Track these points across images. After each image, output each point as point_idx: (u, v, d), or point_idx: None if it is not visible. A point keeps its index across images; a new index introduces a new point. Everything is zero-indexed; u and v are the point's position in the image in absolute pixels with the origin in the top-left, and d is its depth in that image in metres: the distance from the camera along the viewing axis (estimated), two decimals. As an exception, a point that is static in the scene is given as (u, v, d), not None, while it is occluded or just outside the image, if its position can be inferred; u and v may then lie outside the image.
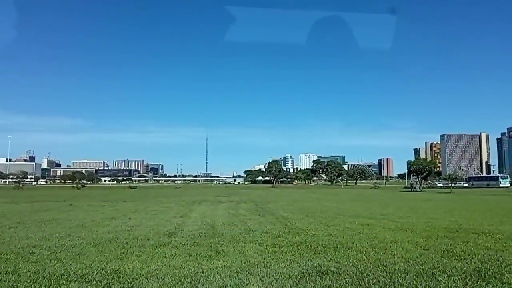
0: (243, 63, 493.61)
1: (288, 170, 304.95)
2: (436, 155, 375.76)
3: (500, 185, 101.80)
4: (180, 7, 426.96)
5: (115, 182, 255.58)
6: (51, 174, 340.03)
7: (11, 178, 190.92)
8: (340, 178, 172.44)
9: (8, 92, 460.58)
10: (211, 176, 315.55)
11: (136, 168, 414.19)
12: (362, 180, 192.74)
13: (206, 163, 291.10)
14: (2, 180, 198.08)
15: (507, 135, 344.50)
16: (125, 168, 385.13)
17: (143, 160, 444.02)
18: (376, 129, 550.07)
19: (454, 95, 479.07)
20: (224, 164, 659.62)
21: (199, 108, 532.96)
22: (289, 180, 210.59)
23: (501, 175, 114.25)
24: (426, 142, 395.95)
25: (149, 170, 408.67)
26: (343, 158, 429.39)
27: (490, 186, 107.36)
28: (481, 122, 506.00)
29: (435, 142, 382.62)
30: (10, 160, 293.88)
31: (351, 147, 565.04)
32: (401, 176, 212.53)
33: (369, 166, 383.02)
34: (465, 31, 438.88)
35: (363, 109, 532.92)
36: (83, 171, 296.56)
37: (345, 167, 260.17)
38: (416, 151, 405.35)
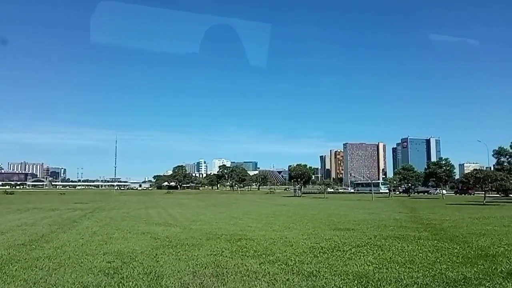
0: (161, 65, 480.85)
1: (201, 175, 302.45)
2: (339, 162, 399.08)
3: (380, 191, 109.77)
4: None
5: (7, 186, 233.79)
6: None
7: None
8: (244, 184, 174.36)
9: None
10: (120, 181, 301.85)
11: (34, 171, 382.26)
12: (266, 185, 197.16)
13: (115, 167, 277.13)
14: None
15: (401, 145, 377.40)
16: (21, 172, 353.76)
17: (42, 164, 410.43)
18: (288, 137, 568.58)
19: (357, 106, 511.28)
20: (136, 169, 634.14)
21: (108, 110, 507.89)
22: (196, 185, 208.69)
23: (381, 181, 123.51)
24: (331, 150, 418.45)
25: (49, 174, 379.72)
26: (256, 164, 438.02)
27: (373, 191, 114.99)
28: (380, 132, 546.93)
29: (339, 150, 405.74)
30: None
31: (265, 153, 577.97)
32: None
33: (280, 172, 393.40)
34: (372, 42, 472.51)
35: (277, 117, 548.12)
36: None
37: (256, 172, 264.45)
38: (322, 159, 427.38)
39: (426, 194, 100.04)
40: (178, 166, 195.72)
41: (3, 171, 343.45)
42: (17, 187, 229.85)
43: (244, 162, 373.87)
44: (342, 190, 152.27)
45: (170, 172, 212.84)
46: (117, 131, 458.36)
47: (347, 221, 20.21)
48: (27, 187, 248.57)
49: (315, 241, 12.60)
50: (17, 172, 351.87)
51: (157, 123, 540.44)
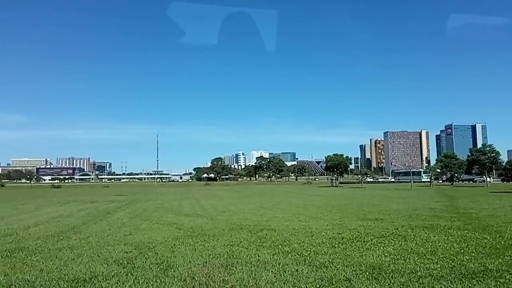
0: (195, 59, 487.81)
1: (239, 167, 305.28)
2: (380, 151, 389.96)
3: (423, 180, 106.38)
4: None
5: (57, 181, 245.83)
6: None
7: None
8: (281, 174, 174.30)
9: None
10: (161, 174, 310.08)
11: (81, 166, 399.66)
12: (304, 176, 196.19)
13: (157, 160, 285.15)
14: None
15: (444, 132, 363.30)
16: (69, 167, 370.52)
17: (89, 158, 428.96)
18: (326, 127, 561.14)
19: (399, 93, 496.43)
20: (177, 162, 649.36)
21: (150, 105, 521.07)
22: (234, 176, 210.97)
23: (423, 170, 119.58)
24: (370, 139, 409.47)
25: (95, 168, 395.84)
26: (294, 154, 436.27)
27: (414, 180, 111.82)
28: (423, 119, 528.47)
29: (379, 139, 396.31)
30: None
31: (303, 144, 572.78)
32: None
33: (318, 162, 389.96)
34: (412, 30, 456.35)
35: (315, 106, 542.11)
36: (23, 170, 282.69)
37: (295, 163, 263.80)
38: (362, 148, 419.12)
39: (470, 182, 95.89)
40: (217, 158, 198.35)
41: (52, 166, 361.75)
42: (66, 181, 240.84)
43: (282, 153, 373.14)
44: (382, 180, 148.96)
45: (209, 165, 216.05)
46: (159, 125, 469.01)
47: (378, 211, 19.67)
48: (75, 181, 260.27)
49: (338, 231, 12.32)
50: (65, 167, 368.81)
51: (196, 116, 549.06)
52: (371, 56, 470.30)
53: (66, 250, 9.51)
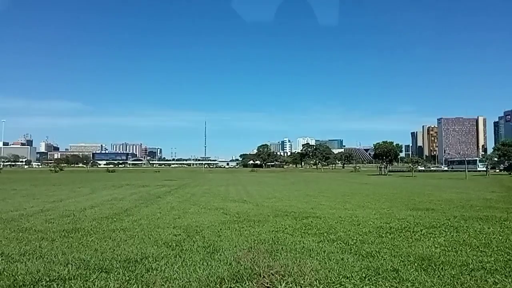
0: (242, 46, 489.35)
1: (285, 153, 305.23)
2: (433, 138, 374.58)
3: (478, 169, 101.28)
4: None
5: (111, 165, 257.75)
6: (48, 158, 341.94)
7: (2, 162, 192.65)
8: (328, 162, 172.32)
9: (6, 75, 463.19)
10: (209, 160, 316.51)
11: (134, 151, 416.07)
12: (351, 164, 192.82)
13: (205, 147, 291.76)
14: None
15: (503, 119, 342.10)
16: (122, 152, 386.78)
17: (141, 144, 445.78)
18: (376, 113, 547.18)
19: (453, 78, 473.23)
20: (224, 148, 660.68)
21: (198, 92, 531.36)
22: (280, 163, 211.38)
23: (479, 158, 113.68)
24: (423, 126, 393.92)
25: (147, 154, 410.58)
26: (341, 141, 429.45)
27: (469, 169, 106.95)
28: (479, 105, 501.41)
29: (432, 126, 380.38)
30: (7, 144, 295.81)
31: (351, 131, 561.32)
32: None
33: (367, 150, 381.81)
34: (464, 12, 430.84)
35: (364, 93, 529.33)
36: (80, 155, 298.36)
37: (342, 150, 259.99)
38: (414, 135, 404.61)
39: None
40: (263, 145, 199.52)
41: (107, 152, 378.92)
42: (119, 166, 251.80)
43: (329, 140, 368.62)
44: (434, 169, 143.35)
45: (255, 151, 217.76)
46: (207, 112, 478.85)
47: (429, 201, 18.98)
48: (128, 166, 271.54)
49: (386, 221, 12.02)
50: (119, 152, 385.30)
51: (243, 103, 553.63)
52: (424, 38, 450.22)
53: (119, 232, 9.96)
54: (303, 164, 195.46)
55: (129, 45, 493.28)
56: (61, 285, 5.58)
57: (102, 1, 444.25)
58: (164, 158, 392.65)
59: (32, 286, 5.55)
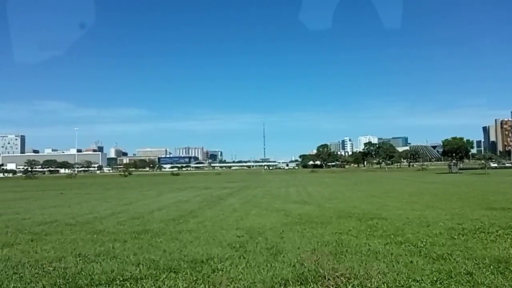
0: (298, 47, 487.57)
1: (346, 153, 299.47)
2: (507, 133, 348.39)
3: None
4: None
5: (175, 169, 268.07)
6: (117, 163, 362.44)
7: (76, 168, 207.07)
8: (392, 160, 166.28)
9: (78, 86, 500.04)
10: (268, 161, 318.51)
11: (196, 155, 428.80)
12: (418, 162, 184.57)
13: (264, 148, 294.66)
14: (67, 170, 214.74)
15: None
16: (185, 155, 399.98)
17: (202, 147, 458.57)
18: (443, 108, 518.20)
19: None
20: (284, 149, 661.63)
21: (256, 94, 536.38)
22: (341, 163, 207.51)
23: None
24: (495, 120, 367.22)
25: (208, 156, 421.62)
26: (406, 139, 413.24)
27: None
28: None
29: (505, 119, 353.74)
30: (80, 151, 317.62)
31: (416, 127, 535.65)
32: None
33: (434, 147, 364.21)
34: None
35: (429, 87, 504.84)
36: (147, 159, 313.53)
37: (407, 148, 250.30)
38: (485, 130, 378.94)
39: None
40: (323, 145, 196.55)
41: (171, 156, 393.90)
42: (183, 169, 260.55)
43: (393, 138, 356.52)
44: (509, 165, 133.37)
45: (315, 152, 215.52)
46: (265, 114, 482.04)
47: (505, 200, 17.69)
48: (191, 169, 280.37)
49: (458, 221, 11.36)
50: (182, 156, 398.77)
51: (300, 104, 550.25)
52: (492, 29, 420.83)
53: (185, 233, 10.30)
54: (365, 163, 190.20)
55: (189, 53, 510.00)
56: (133, 285, 5.86)
57: (162, 11, 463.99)
58: (225, 160, 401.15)
59: (107, 285, 5.88)
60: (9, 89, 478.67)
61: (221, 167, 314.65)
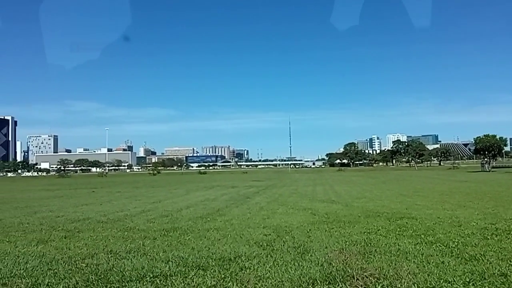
0: (324, 44, 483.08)
1: (374, 151, 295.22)
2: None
3: None
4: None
5: (202, 167, 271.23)
6: (146, 162, 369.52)
7: (107, 166, 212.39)
8: (422, 159, 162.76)
9: (109, 87, 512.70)
10: (295, 160, 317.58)
11: (222, 154, 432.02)
12: (449, 160, 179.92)
13: (290, 147, 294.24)
14: (98, 169, 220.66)
15: None
16: (212, 154, 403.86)
17: (229, 146, 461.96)
18: (475, 104, 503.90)
19: None
20: (310, 148, 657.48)
21: (282, 93, 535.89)
22: (369, 162, 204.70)
23: None
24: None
25: (234, 155, 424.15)
26: (436, 137, 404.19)
27: None
28: None
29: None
30: (111, 150, 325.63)
31: (447, 124, 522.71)
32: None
33: (466, 145, 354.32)
34: None
35: (459, 83, 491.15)
36: (174, 158, 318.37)
37: (437, 146, 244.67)
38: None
39: None
40: (350, 143, 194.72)
41: (198, 154, 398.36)
42: (210, 167, 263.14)
43: (422, 135, 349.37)
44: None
45: (342, 150, 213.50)
46: (291, 112, 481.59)
47: (543, 199, 17.00)
48: (218, 168, 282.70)
49: (491, 221, 11.02)
50: (209, 154, 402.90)
51: (327, 101, 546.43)
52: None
53: (213, 231, 10.40)
54: (394, 162, 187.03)
55: (214, 52, 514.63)
56: (163, 281, 5.97)
57: (189, 11, 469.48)
58: (251, 159, 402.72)
59: (138, 281, 6.01)
60: (43, 90, 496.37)
61: (247, 165, 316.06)
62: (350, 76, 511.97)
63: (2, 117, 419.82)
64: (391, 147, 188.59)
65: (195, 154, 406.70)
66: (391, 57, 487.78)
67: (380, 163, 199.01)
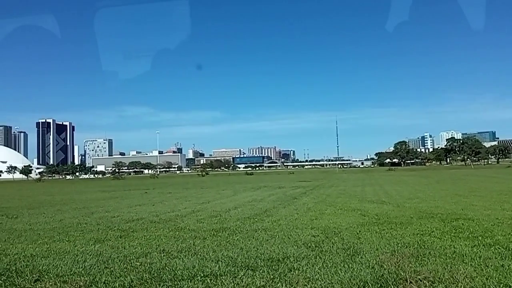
0: (372, 40, 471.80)
1: (426, 150, 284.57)
2: None
3: None
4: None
5: (249, 168, 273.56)
6: (195, 163, 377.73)
7: (158, 168, 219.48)
8: (478, 157, 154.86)
9: (159, 92, 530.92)
10: (342, 160, 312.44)
11: (269, 154, 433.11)
12: (508, 158, 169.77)
13: (337, 146, 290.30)
14: (150, 171, 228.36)
15: None
16: (258, 155, 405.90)
17: (275, 147, 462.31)
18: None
19: None
20: (358, 147, 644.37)
21: (328, 91, 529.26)
22: (421, 161, 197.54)
23: None
24: None
25: (281, 156, 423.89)
26: (493, 133, 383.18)
27: None
28: None
29: None
30: (161, 153, 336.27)
31: (505, 121, 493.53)
32: None
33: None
34: None
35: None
36: (222, 159, 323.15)
37: (495, 143, 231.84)
38: None
39: None
40: (400, 141, 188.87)
41: (245, 155, 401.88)
42: (256, 168, 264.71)
43: (478, 132, 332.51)
44: None
45: (392, 149, 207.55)
46: (338, 111, 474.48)
47: None
48: (264, 168, 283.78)
49: (557, 223, 10.28)
50: (255, 155, 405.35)
51: (375, 99, 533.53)
52: None
53: (261, 231, 10.46)
54: (448, 160, 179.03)
55: (259, 54, 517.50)
56: (213, 281, 6.08)
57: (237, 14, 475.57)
58: (297, 159, 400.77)
59: (189, 280, 6.17)
60: (98, 96, 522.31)
61: (293, 166, 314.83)
62: (401, 72, 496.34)
63: (61, 123, 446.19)
64: (445, 145, 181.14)
65: (242, 155, 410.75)
66: (443, 51, 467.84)
67: (433, 162, 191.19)
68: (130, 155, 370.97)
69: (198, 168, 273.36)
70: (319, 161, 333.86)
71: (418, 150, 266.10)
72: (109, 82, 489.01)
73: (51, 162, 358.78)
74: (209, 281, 6.07)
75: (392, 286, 5.56)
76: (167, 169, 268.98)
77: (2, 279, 6.42)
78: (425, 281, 5.67)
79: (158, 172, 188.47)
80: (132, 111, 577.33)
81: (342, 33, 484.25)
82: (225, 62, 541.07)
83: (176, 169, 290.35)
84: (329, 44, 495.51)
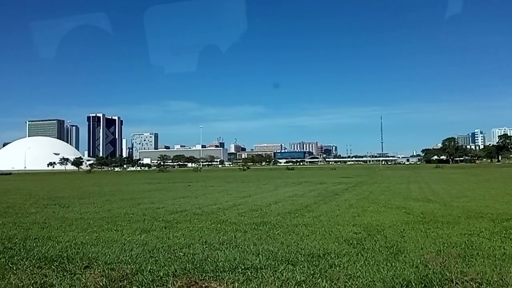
0: (419, 34, 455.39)
1: (477, 147, 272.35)
2: None
3: None
4: None
5: (290, 163, 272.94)
6: (237, 158, 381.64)
7: (201, 162, 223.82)
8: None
9: (203, 87, 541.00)
10: (386, 156, 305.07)
11: (310, 150, 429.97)
12: None
13: (381, 142, 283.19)
14: (193, 164, 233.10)
15: None
16: (300, 150, 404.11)
17: (316, 142, 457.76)
18: None
19: None
20: (403, 143, 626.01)
21: (372, 87, 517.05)
22: (470, 158, 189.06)
23: None
24: None
25: (322, 151, 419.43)
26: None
27: None
28: None
29: None
30: (204, 147, 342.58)
31: None
32: None
33: None
34: None
35: None
36: (263, 154, 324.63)
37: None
38: None
39: None
40: (449, 138, 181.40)
41: (286, 150, 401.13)
42: (297, 163, 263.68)
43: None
44: None
45: (440, 146, 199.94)
46: (382, 106, 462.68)
47: None
48: (306, 164, 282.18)
49: None
50: (297, 150, 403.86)
51: (422, 94, 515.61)
52: None
53: (301, 227, 10.46)
54: (500, 158, 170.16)
55: (301, 48, 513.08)
56: (254, 273, 6.16)
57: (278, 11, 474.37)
58: (340, 155, 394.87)
59: (230, 272, 6.28)
60: (145, 92, 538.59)
61: (335, 162, 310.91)
62: (450, 67, 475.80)
63: (110, 117, 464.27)
64: (497, 142, 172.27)
65: (283, 150, 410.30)
66: (495, 45, 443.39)
67: (484, 160, 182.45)
68: (175, 149, 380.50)
69: (239, 162, 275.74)
70: (362, 157, 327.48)
71: (468, 147, 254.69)
72: (156, 78, 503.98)
73: (101, 154, 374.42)
74: (249, 273, 6.16)
75: (436, 287, 5.41)
76: (210, 163, 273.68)
77: (55, 265, 6.81)
78: (472, 283, 5.48)
79: (201, 166, 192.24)
80: (177, 106, 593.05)
81: (385, 30, 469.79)
82: (268, 56, 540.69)
83: (218, 163, 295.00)
84: (373, 39, 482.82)
